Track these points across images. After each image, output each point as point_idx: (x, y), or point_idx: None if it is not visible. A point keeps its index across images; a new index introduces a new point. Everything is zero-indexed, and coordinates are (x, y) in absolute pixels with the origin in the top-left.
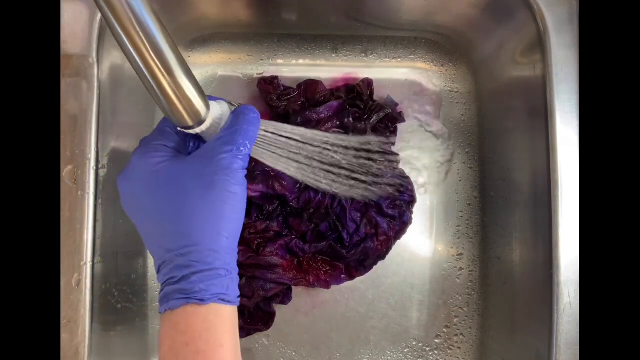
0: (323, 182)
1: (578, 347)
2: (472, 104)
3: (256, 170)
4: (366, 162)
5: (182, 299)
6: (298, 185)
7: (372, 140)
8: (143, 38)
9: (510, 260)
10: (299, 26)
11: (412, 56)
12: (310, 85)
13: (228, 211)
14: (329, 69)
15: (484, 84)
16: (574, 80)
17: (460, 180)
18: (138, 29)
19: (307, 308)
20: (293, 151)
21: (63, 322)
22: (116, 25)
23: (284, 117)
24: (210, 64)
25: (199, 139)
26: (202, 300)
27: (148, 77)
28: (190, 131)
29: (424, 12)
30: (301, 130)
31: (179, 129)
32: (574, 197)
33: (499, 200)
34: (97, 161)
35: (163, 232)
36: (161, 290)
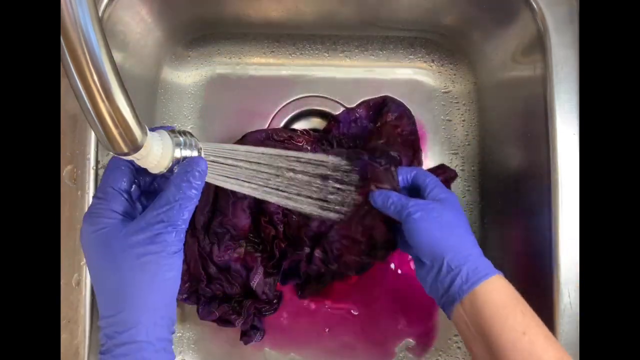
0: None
1: (578, 347)
2: (472, 104)
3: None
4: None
5: None
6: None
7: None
8: (88, 59)
9: (510, 261)
10: (299, 26)
11: (412, 56)
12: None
13: (161, 289)
14: (328, 68)
15: (484, 84)
16: (574, 80)
17: (459, 181)
18: (85, 49)
19: (307, 308)
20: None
21: (63, 322)
22: (62, 41)
23: None
24: (210, 63)
25: (146, 178)
26: None
27: (86, 100)
28: (127, 158)
29: (424, 12)
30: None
31: (114, 155)
32: (574, 197)
33: (499, 201)
34: (97, 161)
35: (99, 297)
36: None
